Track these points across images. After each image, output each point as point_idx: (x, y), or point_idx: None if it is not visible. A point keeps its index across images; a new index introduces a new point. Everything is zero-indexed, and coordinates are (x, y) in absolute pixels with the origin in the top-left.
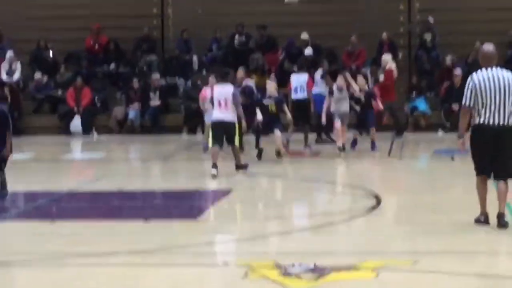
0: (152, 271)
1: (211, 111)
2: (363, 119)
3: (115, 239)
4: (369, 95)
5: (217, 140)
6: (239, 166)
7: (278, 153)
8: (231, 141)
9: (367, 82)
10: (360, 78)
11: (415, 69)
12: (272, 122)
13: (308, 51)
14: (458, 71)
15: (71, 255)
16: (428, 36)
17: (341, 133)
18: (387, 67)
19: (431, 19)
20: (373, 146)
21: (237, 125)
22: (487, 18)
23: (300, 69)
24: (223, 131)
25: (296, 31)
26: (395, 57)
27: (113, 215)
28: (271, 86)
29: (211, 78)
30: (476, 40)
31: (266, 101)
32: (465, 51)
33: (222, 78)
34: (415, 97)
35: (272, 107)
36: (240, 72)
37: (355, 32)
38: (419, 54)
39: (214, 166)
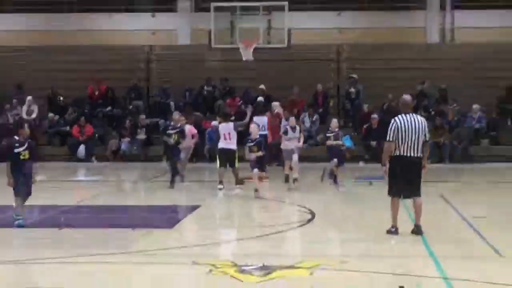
0: (136, 268)
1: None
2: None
3: (109, 243)
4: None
5: (222, 164)
6: (238, 182)
7: (255, 190)
8: (232, 165)
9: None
10: (334, 121)
11: (343, 114)
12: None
13: (260, 98)
14: (375, 116)
15: (74, 255)
16: (352, 90)
17: (289, 169)
18: (275, 111)
19: (355, 76)
20: (335, 180)
21: (236, 153)
22: (398, 76)
23: (260, 113)
24: (226, 157)
25: (251, 83)
26: (327, 104)
27: (108, 224)
28: (255, 130)
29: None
30: (389, 93)
31: (248, 144)
32: (381, 101)
33: (225, 118)
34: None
35: (254, 148)
36: (176, 115)
37: (297, 84)
38: (345, 102)
39: (221, 182)
